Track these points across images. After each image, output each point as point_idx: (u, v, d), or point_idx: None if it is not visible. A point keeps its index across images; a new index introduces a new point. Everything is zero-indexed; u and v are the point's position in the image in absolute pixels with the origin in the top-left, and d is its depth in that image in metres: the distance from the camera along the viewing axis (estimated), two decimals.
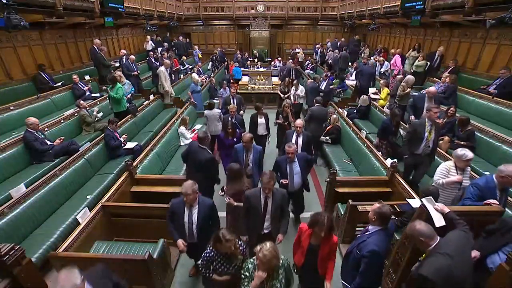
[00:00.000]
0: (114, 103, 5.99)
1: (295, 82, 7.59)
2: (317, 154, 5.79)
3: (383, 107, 6.83)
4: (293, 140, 4.17)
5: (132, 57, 8.22)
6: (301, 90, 7.28)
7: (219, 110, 5.73)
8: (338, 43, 12.94)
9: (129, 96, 6.61)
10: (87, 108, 5.81)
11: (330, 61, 11.61)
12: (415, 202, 3.16)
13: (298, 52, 13.43)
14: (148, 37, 11.57)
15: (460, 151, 3.09)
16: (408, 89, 5.96)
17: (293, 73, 9.54)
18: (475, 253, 2.38)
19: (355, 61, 11.49)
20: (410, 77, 6.07)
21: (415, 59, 8.04)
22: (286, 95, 7.53)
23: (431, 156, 4.03)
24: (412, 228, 1.96)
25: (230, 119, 4.94)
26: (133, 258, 2.68)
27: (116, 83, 5.90)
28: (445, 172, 3.18)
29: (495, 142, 4.46)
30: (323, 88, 7.72)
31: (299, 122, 4.24)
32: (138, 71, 8.33)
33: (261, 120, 5.15)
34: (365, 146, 4.90)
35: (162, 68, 7.66)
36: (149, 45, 11.45)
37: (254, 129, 5.12)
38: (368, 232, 2.29)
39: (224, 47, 15.44)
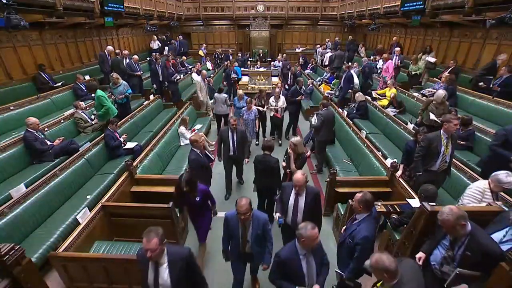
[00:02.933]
0: (100, 117, 5.54)
1: (276, 91, 6.28)
2: (322, 162, 5.52)
3: (385, 107, 6.84)
4: (291, 201, 2.84)
5: (136, 57, 8.16)
6: (283, 101, 6.17)
7: (226, 95, 6.53)
8: (335, 42, 12.97)
9: (127, 94, 6.46)
10: (84, 110, 5.72)
11: (321, 57, 11.63)
12: (415, 202, 3.17)
13: (283, 54, 12.87)
14: (155, 36, 11.63)
15: (506, 177, 2.61)
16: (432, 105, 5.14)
17: (291, 75, 8.96)
18: (420, 255, 2.41)
19: (352, 60, 11.50)
20: (440, 91, 5.16)
21: (425, 61, 7.74)
22: (264, 109, 6.35)
23: (447, 172, 3.66)
24: (380, 262, 1.81)
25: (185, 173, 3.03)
26: (133, 258, 2.68)
27: (97, 91, 5.42)
28: (479, 196, 2.73)
29: None
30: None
31: (300, 177, 2.70)
32: (142, 71, 8.30)
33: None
34: (365, 146, 4.90)
35: (198, 79, 7.49)
36: (155, 44, 11.49)
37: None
38: (357, 221, 2.41)
39: (224, 47, 15.44)
